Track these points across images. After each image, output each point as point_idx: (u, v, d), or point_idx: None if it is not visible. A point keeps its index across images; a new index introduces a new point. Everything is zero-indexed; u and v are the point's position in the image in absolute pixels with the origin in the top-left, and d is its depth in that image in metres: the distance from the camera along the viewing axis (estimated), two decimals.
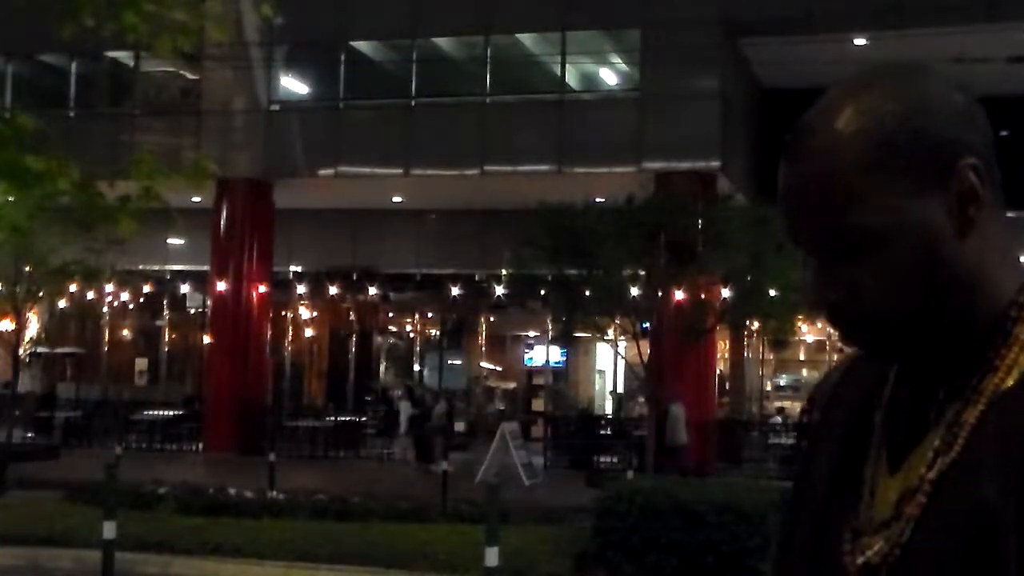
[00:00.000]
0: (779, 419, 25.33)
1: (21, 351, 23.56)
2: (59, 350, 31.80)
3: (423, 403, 25.35)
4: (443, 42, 26.12)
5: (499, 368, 33.66)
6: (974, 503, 1.14)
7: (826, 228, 1.20)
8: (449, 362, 32.13)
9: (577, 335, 26.36)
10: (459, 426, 26.98)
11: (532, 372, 32.58)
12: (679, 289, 19.72)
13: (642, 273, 19.37)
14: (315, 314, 32.24)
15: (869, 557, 1.22)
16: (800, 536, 1.32)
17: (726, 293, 20.74)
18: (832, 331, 1.54)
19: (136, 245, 19.28)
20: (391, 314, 33.05)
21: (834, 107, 1.21)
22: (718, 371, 26.52)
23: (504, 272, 26.10)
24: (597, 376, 33.40)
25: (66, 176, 6.91)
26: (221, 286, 25.90)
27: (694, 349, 20.29)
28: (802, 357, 32.93)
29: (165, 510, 13.92)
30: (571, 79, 25.54)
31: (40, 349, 30.10)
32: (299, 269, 29.61)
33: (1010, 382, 1.18)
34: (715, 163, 22.82)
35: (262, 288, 26.20)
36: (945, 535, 1.16)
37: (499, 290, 28.15)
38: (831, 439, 1.34)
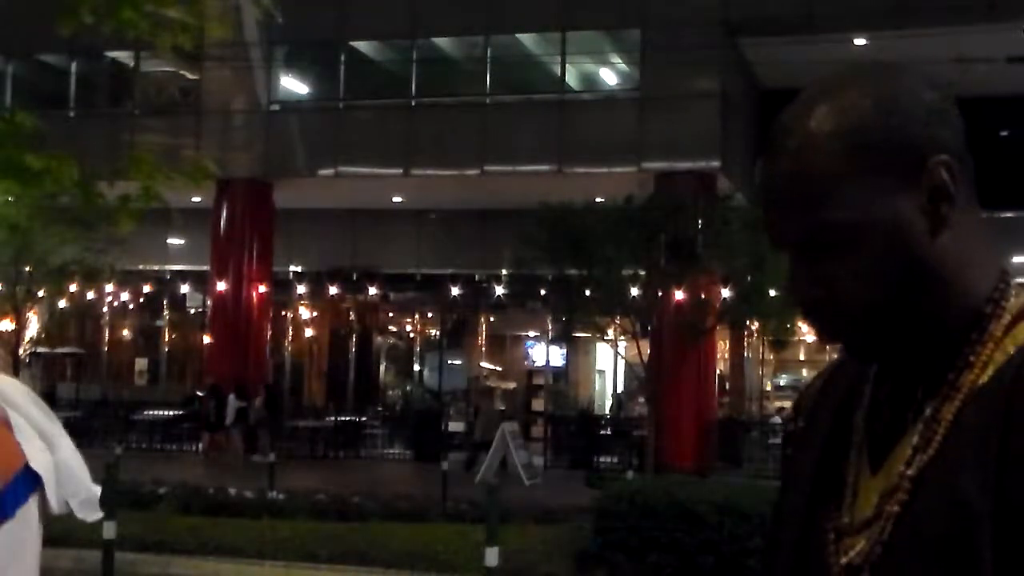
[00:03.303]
0: (779, 419, 25.33)
1: (21, 351, 23.58)
2: (59, 350, 31.80)
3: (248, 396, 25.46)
4: (443, 42, 26.12)
5: (499, 368, 33.65)
6: (952, 498, 1.15)
7: (801, 224, 1.22)
8: (449, 362, 32.11)
9: (577, 335, 26.37)
10: (459, 426, 26.96)
11: (532, 372, 32.58)
12: (679, 289, 19.71)
13: (642, 273, 19.35)
14: (315, 314, 32.23)
15: (852, 557, 1.23)
16: (785, 540, 1.34)
17: (726, 293, 20.74)
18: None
19: (136, 245, 19.37)
20: (391, 314, 33.04)
21: (809, 106, 1.24)
22: (718, 371, 26.52)
23: (504, 272, 26.10)
24: (597, 376, 33.39)
25: (66, 175, 6.92)
26: (221, 286, 25.90)
27: (694, 349, 20.31)
28: (802, 357, 32.91)
29: (165, 510, 13.92)
30: (571, 79, 25.53)
31: (40, 349, 30.12)
32: (299, 269, 29.61)
33: (985, 378, 1.20)
34: (715, 163, 22.81)
35: (262, 288, 26.20)
36: (925, 530, 1.17)
37: (499, 290, 28.14)
38: (814, 443, 1.35)
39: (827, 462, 1.32)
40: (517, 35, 25.40)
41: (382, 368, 33.53)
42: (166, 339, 33.39)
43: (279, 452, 23.53)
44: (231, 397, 24.81)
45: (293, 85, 27.47)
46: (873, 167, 1.21)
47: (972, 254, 1.24)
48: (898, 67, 1.27)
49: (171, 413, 27.19)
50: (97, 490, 2.05)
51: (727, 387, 29.19)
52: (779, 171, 1.24)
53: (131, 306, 32.42)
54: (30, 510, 1.88)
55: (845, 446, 1.31)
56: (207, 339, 27.28)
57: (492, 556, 9.31)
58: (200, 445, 25.27)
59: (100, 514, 2.06)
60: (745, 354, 30.37)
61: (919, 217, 1.21)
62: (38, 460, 1.92)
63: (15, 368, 21.76)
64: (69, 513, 1.97)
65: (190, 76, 27.38)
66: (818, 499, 1.31)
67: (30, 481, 1.89)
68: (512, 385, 33.11)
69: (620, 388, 30.81)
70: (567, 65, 24.79)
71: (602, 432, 25.16)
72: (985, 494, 1.13)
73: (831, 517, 1.28)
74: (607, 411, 29.78)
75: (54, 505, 1.95)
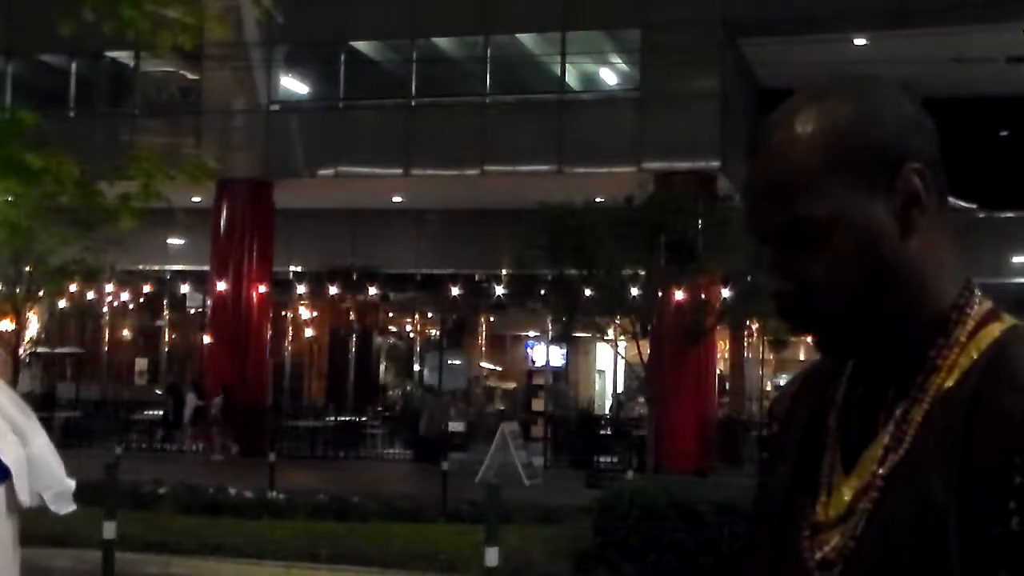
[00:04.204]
0: None
1: (21, 351, 23.57)
2: (59, 350, 31.79)
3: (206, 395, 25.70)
4: (443, 42, 26.11)
5: (499, 368, 33.65)
6: (920, 496, 1.23)
7: (775, 218, 1.30)
8: (449, 362, 32.11)
9: (577, 335, 26.37)
10: (459, 426, 26.97)
11: (532, 372, 32.58)
12: (679, 289, 19.70)
13: (642, 273, 19.35)
14: (315, 314, 32.24)
15: (826, 552, 1.30)
16: (763, 538, 1.39)
17: (726, 293, 20.74)
18: None
19: (136, 245, 19.35)
20: (391, 314, 33.05)
21: (795, 108, 1.32)
22: (718, 371, 26.51)
23: (504, 272, 26.10)
24: (597, 376, 33.39)
25: (66, 174, 6.93)
26: (221, 286, 25.89)
27: (694, 349, 20.29)
28: (802, 357, 32.87)
29: (165, 510, 13.91)
30: (571, 79, 25.53)
31: (40, 349, 30.12)
32: (299, 269, 29.60)
33: (951, 382, 1.27)
34: (715, 163, 22.82)
35: (262, 288, 26.19)
36: (895, 527, 1.24)
37: (499, 290, 28.14)
38: (790, 446, 1.42)
39: (803, 462, 1.38)
40: (517, 35, 25.39)
41: (382, 368, 33.53)
42: (166, 339, 33.40)
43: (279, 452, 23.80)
44: (190, 396, 24.98)
45: (293, 85, 27.46)
46: (849, 169, 1.28)
47: (939, 260, 1.31)
48: (880, 78, 1.35)
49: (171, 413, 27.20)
50: (71, 484, 2.06)
51: (727, 387, 29.19)
52: (760, 165, 1.32)
53: (131, 306, 32.42)
54: None
55: (820, 446, 1.37)
56: (207, 339, 27.26)
57: (492, 556, 9.30)
58: (201, 445, 25.29)
59: (73, 506, 2.07)
60: (745, 354, 30.37)
61: (890, 221, 1.28)
62: (9, 453, 1.93)
63: (15, 368, 21.75)
64: (42, 506, 1.97)
65: (190, 76, 27.37)
66: (794, 497, 1.37)
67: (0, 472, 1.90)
68: (512, 385, 33.13)
69: (620, 388, 30.82)
70: (567, 65, 24.78)
71: (602, 432, 25.17)
72: (950, 493, 1.20)
73: (806, 514, 1.34)
74: (607, 411, 29.78)
75: (25, 497, 1.96)
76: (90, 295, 29.26)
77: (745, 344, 29.94)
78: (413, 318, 33.21)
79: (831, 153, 1.28)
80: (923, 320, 1.30)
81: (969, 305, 1.31)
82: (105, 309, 31.81)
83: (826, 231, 1.27)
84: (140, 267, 28.47)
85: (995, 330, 1.29)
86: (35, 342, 28.24)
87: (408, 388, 32.47)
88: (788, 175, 1.29)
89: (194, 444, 24.97)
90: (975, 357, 1.27)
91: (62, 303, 28.59)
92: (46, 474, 2.04)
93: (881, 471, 1.28)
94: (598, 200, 19.65)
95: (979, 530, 1.18)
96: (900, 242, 1.28)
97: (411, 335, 33.75)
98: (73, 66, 27.87)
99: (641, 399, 24.76)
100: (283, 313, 31.02)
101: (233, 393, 24.46)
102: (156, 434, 26.40)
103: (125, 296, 31.23)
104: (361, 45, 26.62)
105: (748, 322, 24.21)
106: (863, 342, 1.31)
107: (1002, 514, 1.18)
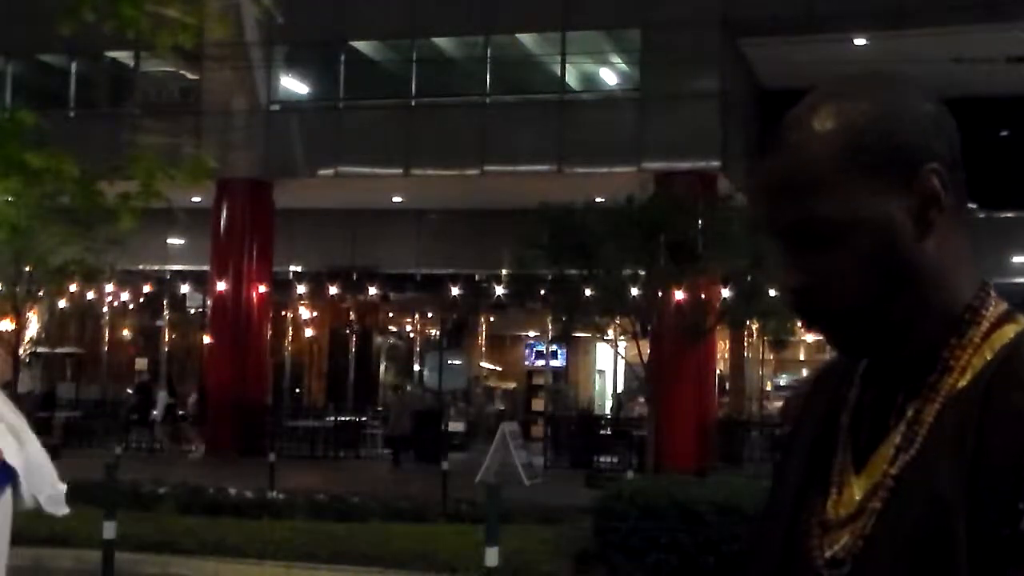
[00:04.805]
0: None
1: (21, 351, 23.56)
2: (59, 350, 31.78)
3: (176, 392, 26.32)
4: (443, 42, 26.11)
5: (499, 368, 33.65)
6: (930, 495, 1.23)
7: (790, 214, 1.30)
8: (449, 362, 32.12)
9: (577, 335, 26.36)
10: (459, 426, 26.97)
11: (532, 372, 32.57)
12: (679, 289, 19.71)
13: (642, 273, 19.35)
14: (315, 314, 32.23)
15: (836, 551, 1.30)
16: (773, 536, 1.40)
17: (726, 293, 20.74)
18: None
19: (136, 245, 19.35)
20: (391, 314, 33.04)
21: (814, 107, 1.31)
22: (718, 371, 26.50)
23: (504, 272, 26.08)
24: (597, 376, 33.39)
25: (66, 172, 6.94)
26: (221, 286, 25.88)
27: (694, 349, 20.29)
28: (802, 357, 32.92)
29: (165, 510, 13.90)
30: (571, 79, 25.53)
31: (40, 349, 30.11)
32: (299, 269, 29.60)
33: (964, 382, 1.27)
34: (715, 163, 22.80)
35: (262, 288, 26.18)
36: (904, 525, 1.24)
37: (499, 290, 28.13)
38: (801, 446, 1.42)
39: (814, 461, 1.39)
40: (517, 35, 25.39)
41: (382, 368, 33.52)
42: (166, 339, 33.38)
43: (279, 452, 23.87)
44: (162, 394, 25.04)
45: (293, 85, 27.46)
46: (868, 168, 1.27)
47: (956, 261, 1.31)
48: (900, 77, 1.35)
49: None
50: (63, 487, 2.06)
51: (727, 387, 29.18)
52: (779, 164, 1.31)
53: (131, 306, 32.41)
54: (5, 501, 1.89)
55: (832, 446, 1.38)
56: (207, 339, 27.26)
57: (492, 556, 9.30)
58: (195, 445, 25.30)
59: (67, 509, 2.07)
60: (745, 354, 30.35)
61: (907, 221, 1.28)
62: (13, 456, 1.93)
63: (15, 368, 21.75)
64: (37, 508, 1.97)
65: (190, 76, 27.36)
66: (805, 496, 1.37)
67: (5, 474, 1.90)
68: (512, 385, 33.12)
69: (620, 388, 30.81)
70: (567, 65, 24.78)
71: (602, 432, 25.16)
72: (960, 492, 1.20)
73: (816, 512, 1.35)
74: (607, 411, 29.78)
75: (26, 499, 1.96)
76: (90, 295, 29.25)
77: (745, 344, 29.92)
78: (413, 318, 33.21)
79: (849, 152, 1.27)
80: (937, 320, 1.30)
81: (984, 306, 1.31)
82: (105, 309, 31.79)
83: (842, 230, 1.27)
84: (140, 267, 28.45)
85: (1010, 332, 1.29)
86: (35, 342, 28.24)
87: (408, 388, 32.48)
88: (805, 173, 1.28)
89: (187, 443, 25.00)
90: (989, 358, 1.27)
91: (62, 303, 28.59)
92: (40, 476, 2.03)
93: (892, 470, 1.28)
94: (598, 200, 19.65)
95: (988, 530, 1.19)
96: (916, 242, 1.28)
97: (411, 335, 33.75)
98: (73, 66, 27.86)
99: (641, 399, 24.76)
100: (283, 313, 31.01)
101: (208, 391, 24.55)
102: (139, 433, 26.49)
103: (125, 296, 31.22)
104: (361, 45, 26.62)
105: (748, 322, 24.17)
106: (877, 341, 1.31)
107: (1012, 514, 1.18)
